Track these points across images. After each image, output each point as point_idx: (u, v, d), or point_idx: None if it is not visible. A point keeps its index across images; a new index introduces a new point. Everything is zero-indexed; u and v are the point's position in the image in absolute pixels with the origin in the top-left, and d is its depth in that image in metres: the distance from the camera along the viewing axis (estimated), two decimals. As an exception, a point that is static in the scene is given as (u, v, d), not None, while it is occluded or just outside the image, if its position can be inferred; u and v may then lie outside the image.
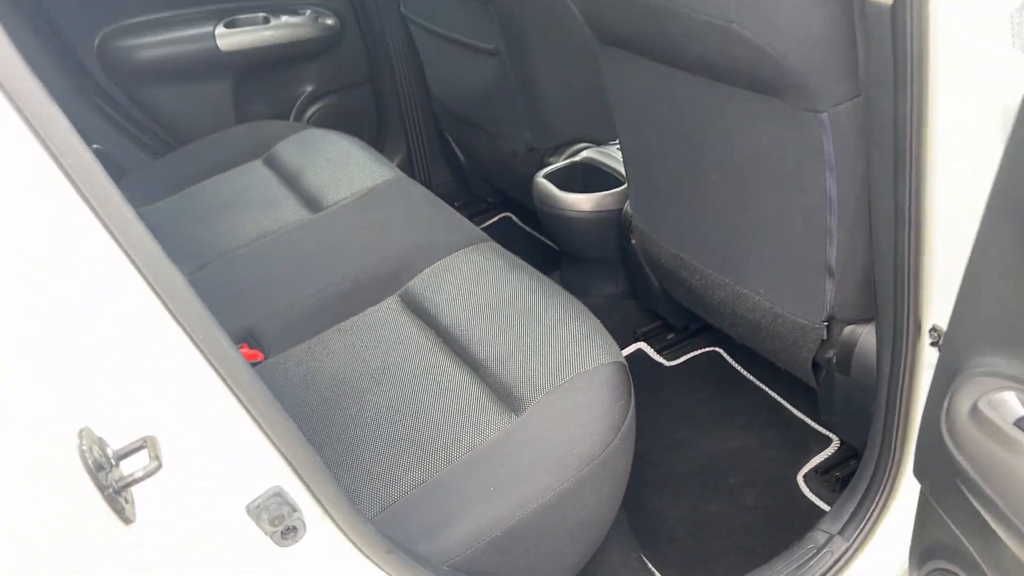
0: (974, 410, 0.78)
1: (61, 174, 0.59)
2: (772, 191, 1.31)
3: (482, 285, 1.43)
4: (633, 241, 1.81)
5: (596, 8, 1.39)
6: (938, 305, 1.10)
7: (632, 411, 1.23)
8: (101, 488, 0.59)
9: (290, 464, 0.75)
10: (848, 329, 1.36)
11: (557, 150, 2.11)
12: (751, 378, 1.85)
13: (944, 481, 0.88)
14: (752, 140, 1.29)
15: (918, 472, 0.99)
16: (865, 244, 1.22)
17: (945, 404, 0.83)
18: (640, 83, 1.47)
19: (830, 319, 1.36)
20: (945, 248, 1.05)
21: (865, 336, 1.34)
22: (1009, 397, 0.76)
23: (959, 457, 0.80)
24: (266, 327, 1.44)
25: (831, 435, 1.69)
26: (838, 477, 1.59)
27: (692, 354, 1.94)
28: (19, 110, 0.57)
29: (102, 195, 0.62)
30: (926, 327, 1.11)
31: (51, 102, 0.59)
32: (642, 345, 1.98)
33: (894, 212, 1.05)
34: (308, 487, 0.76)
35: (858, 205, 1.20)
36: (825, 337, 1.38)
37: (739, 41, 1.13)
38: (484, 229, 2.55)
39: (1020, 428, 0.73)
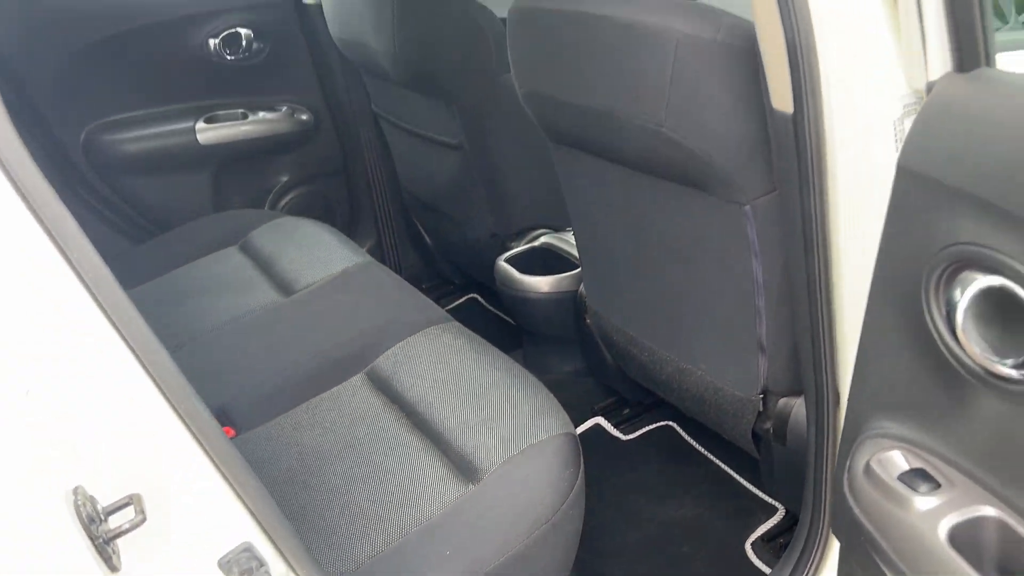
0: (867, 468, 0.88)
1: (67, 265, 0.69)
2: (707, 275, 1.44)
3: (444, 363, 1.53)
4: (588, 320, 1.93)
5: (546, 113, 1.54)
6: (853, 377, 1.21)
7: (581, 478, 1.32)
8: (92, 538, 0.67)
9: (258, 523, 0.83)
10: (782, 401, 1.47)
11: (518, 235, 2.24)
12: (702, 450, 1.94)
13: (852, 535, 0.97)
14: (687, 229, 1.42)
15: (835, 529, 1.08)
16: (790, 322, 1.35)
17: (847, 464, 0.94)
18: (588, 178, 1.61)
19: (765, 392, 1.47)
20: (854, 325, 1.16)
21: (798, 408, 1.45)
22: (895, 455, 0.87)
23: (857, 512, 0.90)
24: (238, 405, 1.52)
25: (777, 504, 1.78)
26: (782, 544, 1.67)
27: (647, 428, 2.04)
28: (36, 215, 0.68)
29: (103, 284, 0.72)
30: (844, 397, 1.23)
31: (60, 203, 0.70)
32: (599, 420, 2.07)
33: (807, 294, 1.17)
34: (275, 544, 0.84)
35: (781, 287, 1.32)
36: (761, 409, 1.49)
37: (670, 143, 1.27)
38: (451, 310, 2.67)
39: (902, 482, 0.84)
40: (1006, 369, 0.71)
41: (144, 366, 0.74)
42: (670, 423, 2.03)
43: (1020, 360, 0.70)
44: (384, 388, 1.52)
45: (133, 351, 0.73)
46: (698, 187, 1.33)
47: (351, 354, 1.60)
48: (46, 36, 2.18)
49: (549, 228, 2.24)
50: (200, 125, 2.32)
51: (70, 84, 2.20)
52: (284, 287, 1.88)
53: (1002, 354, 0.71)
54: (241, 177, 2.45)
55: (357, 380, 1.56)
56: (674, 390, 1.70)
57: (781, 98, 1.08)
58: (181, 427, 0.77)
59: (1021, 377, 0.70)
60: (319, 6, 2.28)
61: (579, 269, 2.01)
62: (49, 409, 0.69)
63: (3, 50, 2.13)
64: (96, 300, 0.71)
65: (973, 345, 0.73)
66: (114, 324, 0.72)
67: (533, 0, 1.44)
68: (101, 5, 2.22)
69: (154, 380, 0.75)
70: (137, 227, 2.33)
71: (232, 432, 1.49)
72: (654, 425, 2.04)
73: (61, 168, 2.21)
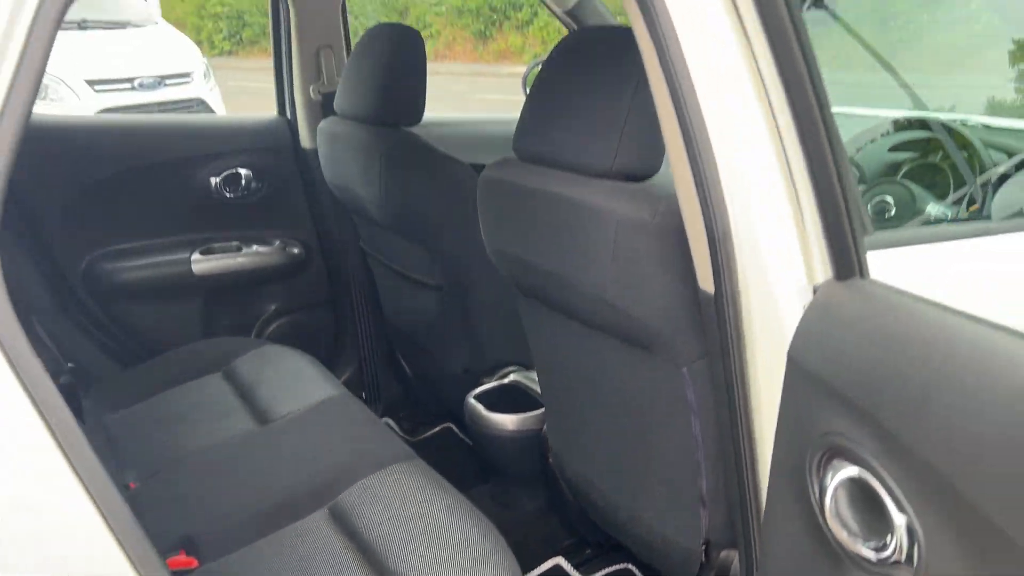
0: (766, 632, 0.95)
1: (44, 428, 0.79)
2: (652, 428, 1.53)
3: (403, 502, 1.59)
4: (551, 460, 2.00)
5: (511, 268, 1.67)
6: (779, 536, 1.28)
7: (523, 624, 1.37)
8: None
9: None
10: (724, 553, 1.53)
11: (491, 371, 2.34)
12: (658, 596, 1.98)
13: None
14: (633, 384, 1.52)
15: None
16: (726, 478, 1.43)
17: (754, 626, 1.01)
18: (548, 328, 1.72)
19: (707, 543, 1.54)
20: (777, 487, 1.25)
21: (737, 560, 1.51)
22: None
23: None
24: (203, 535, 1.58)
25: (727, 653, 1.80)
26: None
27: (606, 570, 2.07)
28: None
29: (66, 430, 0.82)
30: (771, 555, 1.29)
31: (28, 345, 0.80)
32: (560, 560, 2.11)
33: (734, 454, 1.26)
34: None
35: (718, 444, 1.41)
36: (704, 560, 1.55)
37: (614, 309, 1.39)
38: (427, 438, 2.74)
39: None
40: (866, 551, 0.79)
41: (101, 512, 0.83)
42: (628, 566, 2.07)
43: (880, 544, 0.79)
44: (344, 525, 1.58)
45: (92, 497, 0.82)
46: (642, 347, 1.44)
47: (316, 488, 1.67)
48: (59, 169, 2.35)
49: (520, 365, 2.34)
50: (196, 256, 2.47)
51: (77, 214, 2.36)
52: (261, 416, 1.96)
53: (865, 537, 0.80)
54: (231, 305, 2.57)
55: (319, 515, 1.62)
56: (629, 534, 1.76)
57: (705, 279, 1.20)
58: (131, 571, 0.84)
59: (877, 560, 0.78)
60: (315, 151, 2.46)
61: (544, 408, 2.09)
62: (10, 550, 0.78)
63: (16, 178, 2.29)
64: (59, 446, 0.81)
65: (839, 527, 0.81)
66: (75, 469, 0.81)
67: (499, 172, 1.60)
68: (113, 145, 2.41)
69: (110, 526, 0.83)
70: (128, 351, 2.43)
71: (195, 563, 1.55)
72: (613, 568, 2.07)
73: (59, 292, 2.33)
